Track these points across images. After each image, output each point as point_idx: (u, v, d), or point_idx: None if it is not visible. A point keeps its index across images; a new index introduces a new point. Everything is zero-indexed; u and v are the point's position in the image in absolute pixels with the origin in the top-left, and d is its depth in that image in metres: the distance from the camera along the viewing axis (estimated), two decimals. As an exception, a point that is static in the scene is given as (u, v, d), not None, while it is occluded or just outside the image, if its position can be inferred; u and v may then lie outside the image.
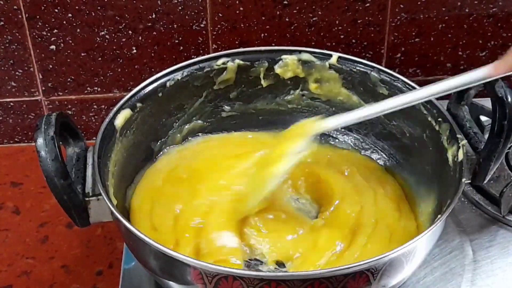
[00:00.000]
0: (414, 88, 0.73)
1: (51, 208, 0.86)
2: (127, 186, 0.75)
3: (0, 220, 0.85)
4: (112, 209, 0.60)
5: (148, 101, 0.75)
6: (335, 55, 0.78)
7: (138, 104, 0.74)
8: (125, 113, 0.72)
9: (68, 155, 0.67)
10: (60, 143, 0.63)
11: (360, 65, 0.77)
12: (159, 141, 0.80)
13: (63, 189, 0.59)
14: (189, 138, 0.82)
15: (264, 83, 0.81)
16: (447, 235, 0.76)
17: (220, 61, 0.78)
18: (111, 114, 0.71)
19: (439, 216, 0.60)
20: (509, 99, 0.63)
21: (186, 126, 0.81)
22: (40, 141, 0.59)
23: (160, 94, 0.76)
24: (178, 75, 0.77)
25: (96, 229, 0.83)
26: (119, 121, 0.71)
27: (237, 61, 0.79)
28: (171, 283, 0.61)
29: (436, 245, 0.75)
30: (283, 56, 0.80)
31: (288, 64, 0.80)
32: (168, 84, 0.76)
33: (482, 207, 0.80)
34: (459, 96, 0.71)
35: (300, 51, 0.79)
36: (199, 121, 0.82)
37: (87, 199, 0.63)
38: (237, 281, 0.55)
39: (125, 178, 0.73)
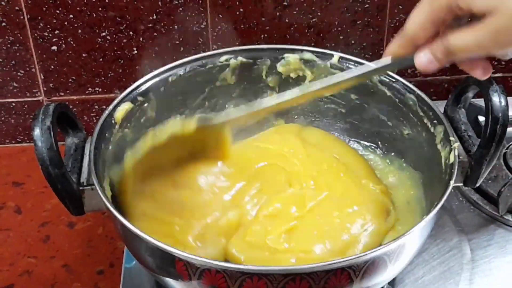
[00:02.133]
0: (413, 90, 0.74)
1: (53, 207, 0.86)
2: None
3: (2, 219, 0.85)
4: (103, 197, 0.61)
5: (150, 95, 0.75)
6: (337, 55, 0.79)
7: (139, 98, 0.74)
8: (126, 106, 0.72)
9: (67, 145, 0.68)
10: (63, 133, 0.65)
11: (360, 66, 0.78)
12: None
13: (57, 177, 0.61)
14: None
15: (266, 81, 0.82)
16: (446, 234, 0.77)
17: (223, 58, 0.79)
18: (111, 107, 0.71)
19: (424, 217, 0.60)
20: (503, 103, 0.63)
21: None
22: (36, 130, 0.60)
23: (162, 89, 0.76)
24: (181, 71, 0.77)
25: (97, 229, 0.83)
26: (119, 113, 0.71)
27: (240, 58, 0.79)
28: (166, 279, 0.61)
29: (434, 245, 0.76)
30: (286, 55, 0.80)
31: (291, 63, 0.80)
32: (170, 79, 0.76)
33: (480, 207, 0.80)
34: (457, 98, 0.71)
35: (302, 50, 0.80)
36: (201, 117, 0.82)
37: (81, 188, 0.64)
38: (220, 274, 0.56)
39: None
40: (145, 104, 0.75)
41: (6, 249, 0.81)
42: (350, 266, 0.56)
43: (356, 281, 0.57)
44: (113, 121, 0.71)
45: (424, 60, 0.58)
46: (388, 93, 0.76)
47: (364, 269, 0.57)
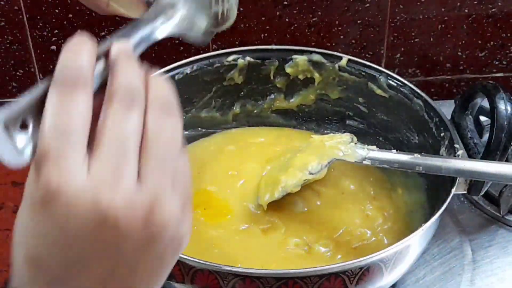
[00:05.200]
0: (421, 96, 0.73)
1: (52, 208, 0.86)
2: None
3: (1, 220, 0.85)
4: None
5: None
6: (345, 58, 0.78)
7: None
8: None
9: None
10: None
11: (368, 69, 0.78)
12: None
13: None
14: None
15: (274, 82, 0.82)
16: (447, 235, 0.77)
17: (230, 58, 0.79)
18: None
19: (423, 225, 0.60)
20: (509, 111, 0.62)
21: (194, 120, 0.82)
22: None
23: None
24: (187, 69, 0.77)
25: (97, 229, 0.83)
26: None
27: (248, 58, 0.79)
28: (168, 282, 0.61)
29: (435, 245, 0.75)
30: (294, 56, 0.80)
31: (299, 64, 0.80)
32: (176, 77, 0.76)
33: (481, 207, 0.80)
34: (464, 105, 0.70)
35: (311, 52, 0.80)
36: (207, 116, 0.82)
37: None
38: (212, 275, 0.55)
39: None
40: None
41: (5, 249, 0.81)
42: (344, 271, 0.55)
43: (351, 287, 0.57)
44: None
45: None
46: (396, 98, 0.76)
47: (359, 275, 0.56)
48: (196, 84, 0.78)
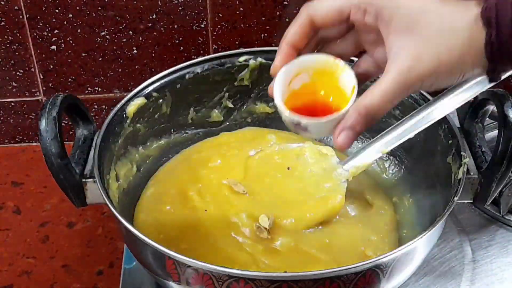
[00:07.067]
0: (427, 98, 0.71)
1: (52, 208, 0.86)
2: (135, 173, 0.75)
3: (1, 219, 0.85)
4: (101, 190, 0.61)
5: (165, 92, 0.75)
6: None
7: (154, 94, 0.74)
8: (139, 101, 0.72)
9: (77, 136, 0.68)
10: (73, 124, 0.67)
11: None
12: (173, 132, 0.80)
13: (59, 168, 0.61)
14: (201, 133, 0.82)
15: None
16: (447, 234, 0.77)
17: (242, 58, 0.78)
18: (123, 101, 0.71)
19: (428, 229, 0.58)
20: None
21: (204, 120, 0.81)
22: (42, 120, 0.61)
23: (178, 86, 0.76)
24: (198, 69, 0.77)
25: (97, 229, 0.83)
26: (132, 108, 0.71)
27: (259, 59, 0.79)
28: (160, 279, 0.61)
29: (435, 245, 0.75)
30: None
31: None
32: (187, 76, 0.76)
33: (481, 207, 0.80)
34: (474, 112, 0.69)
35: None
36: (217, 115, 0.82)
37: (84, 180, 0.64)
38: (207, 275, 0.55)
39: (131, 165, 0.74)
40: (160, 100, 0.75)
41: (5, 249, 0.81)
42: (339, 276, 0.55)
43: None
44: (124, 116, 0.71)
45: (345, 140, 0.56)
46: (406, 103, 0.73)
47: (354, 281, 0.55)
48: (207, 84, 0.78)
